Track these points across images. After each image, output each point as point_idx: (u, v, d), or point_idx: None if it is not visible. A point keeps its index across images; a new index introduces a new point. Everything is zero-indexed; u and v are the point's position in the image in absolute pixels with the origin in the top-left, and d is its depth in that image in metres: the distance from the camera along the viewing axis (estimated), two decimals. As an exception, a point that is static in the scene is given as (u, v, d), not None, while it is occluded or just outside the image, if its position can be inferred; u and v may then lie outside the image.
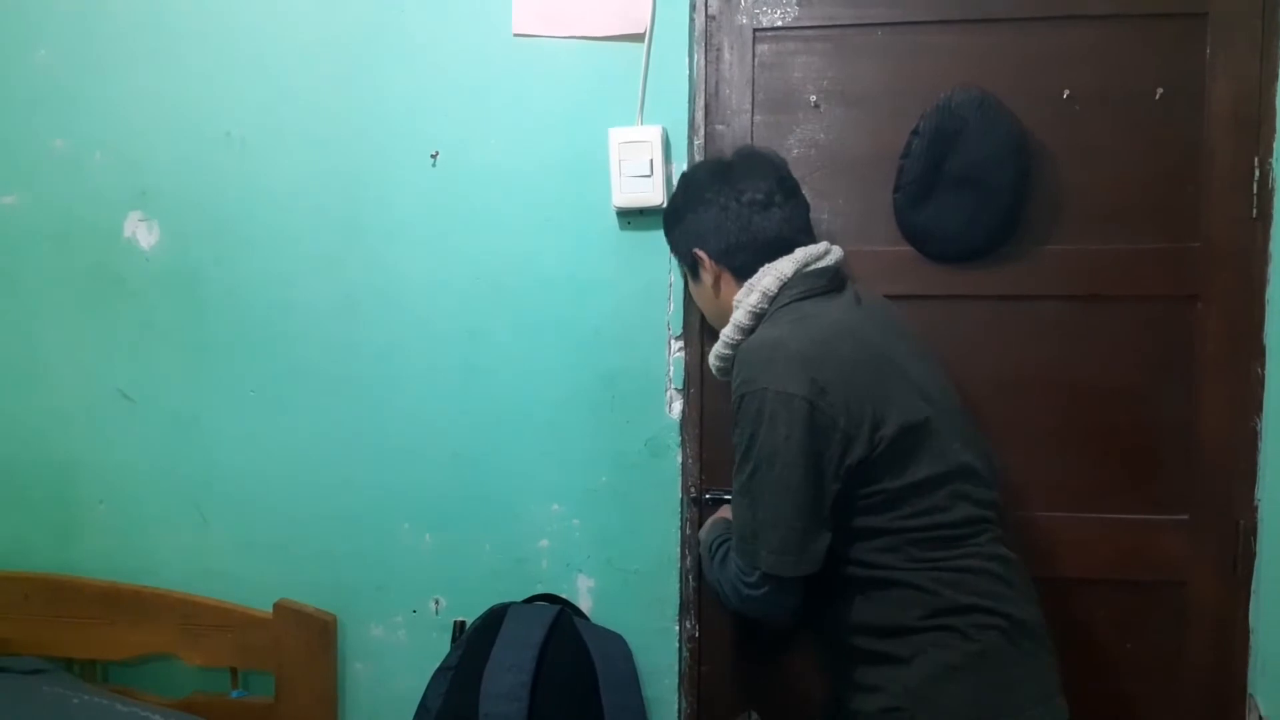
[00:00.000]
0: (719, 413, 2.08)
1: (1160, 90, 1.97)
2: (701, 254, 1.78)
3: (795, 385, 1.56)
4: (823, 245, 1.75)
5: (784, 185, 1.76)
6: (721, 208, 1.74)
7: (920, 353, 1.72)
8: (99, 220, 2.26)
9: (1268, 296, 1.96)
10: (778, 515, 1.57)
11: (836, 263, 1.75)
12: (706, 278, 1.79)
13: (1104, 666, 2.07)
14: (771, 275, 1.71)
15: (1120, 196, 1.99)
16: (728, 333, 1.76)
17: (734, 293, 1.75)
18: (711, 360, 1.83)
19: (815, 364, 1.57)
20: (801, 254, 1.72)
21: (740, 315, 1.74)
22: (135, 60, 2.23)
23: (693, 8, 2.06)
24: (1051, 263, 2.01)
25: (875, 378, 1.60)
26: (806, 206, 1.79)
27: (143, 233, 2.25)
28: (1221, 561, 2.02)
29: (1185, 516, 2.02)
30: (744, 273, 1.75)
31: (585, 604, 2.15)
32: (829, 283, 1.72)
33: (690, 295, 1.96)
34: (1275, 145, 1.94)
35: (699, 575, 2.10)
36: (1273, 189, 1.95)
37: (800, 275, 1.71)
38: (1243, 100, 1.95)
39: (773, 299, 1.71)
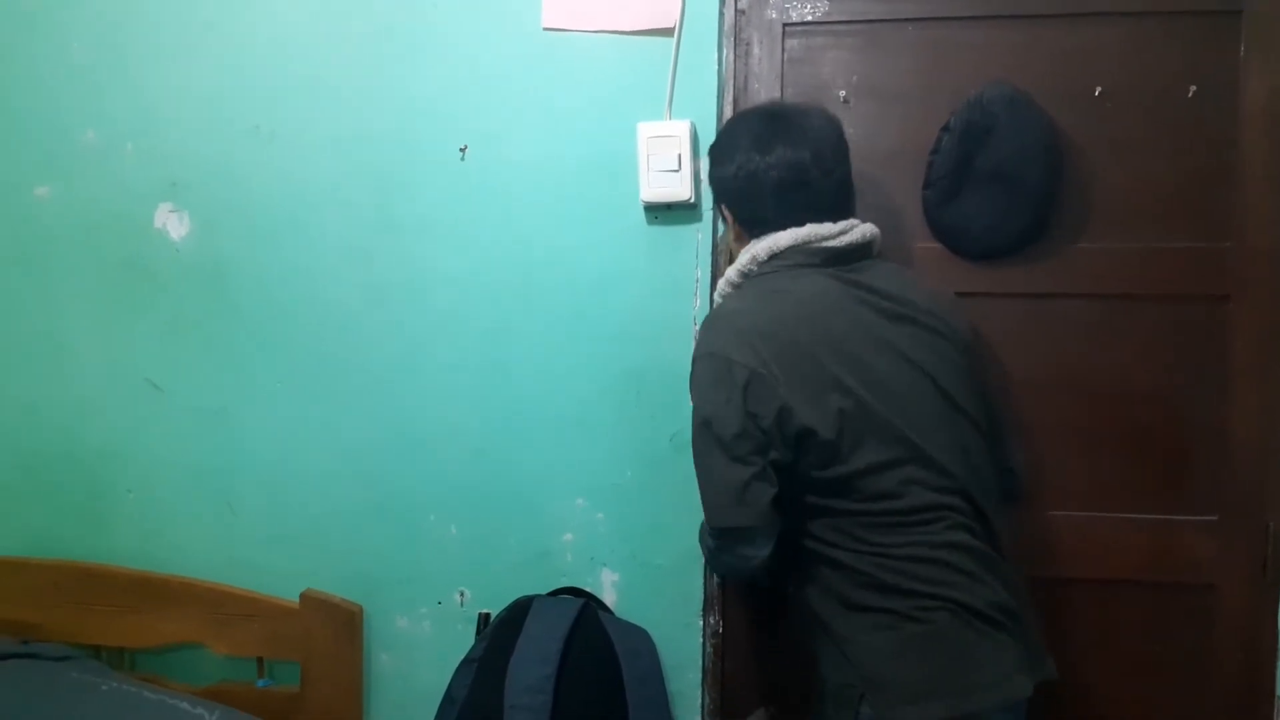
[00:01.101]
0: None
1: (1193, 88, 1.96)
2: (722, 204, 1.85)
3: (741, 355, 1.64)
4: (841, 225, 1.73)
5: (820, 160, 1.73)
6: (748, 169, 1.74)
7: (909, 340, 1.70)
8: (130, 212, 2.27)
9: (1301, 297, 1.95)
10: (716, 470, 1.67)
11: (849, 244, 1.74)
12: (727, 222, 1.86)
13: (1131, 668, 2.05)
14: (767, 244, 1.74)
15: (1152, 195, 1.98)
16: (721, 285, 1.83)
17: (744, 246, 1.80)
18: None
19: (765, 340, 1.65)
20: (809, 230, 1.72)
21: (731, 272, 1.80)
22: (166, 53, 2.24)
23: (722, 2, 2.05)
24: (1082, 261, 2.00)
25: (821, 362, 1.64)
26: (841, 182, 1.77)
27: (173, 224, 2.26)
28: (1251, 564, 2.00)
29: (1215, 518, 2.01)
30: (752, 231, 1.78)
31: (609, 598, 2.15)
32: (823, 259, 1.72)
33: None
34: (1309, 145, 1.92)
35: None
36: (1307, 189, 1.93)
37: (796, 249, 1.72)
38: (1277, 98, 1.94)
39: (760, 264, 1.75)
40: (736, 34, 2.07)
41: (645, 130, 2.04)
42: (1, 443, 2.37)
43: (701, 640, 2.13)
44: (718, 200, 1.89)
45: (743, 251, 1.78)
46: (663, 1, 2.05)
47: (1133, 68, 1.97)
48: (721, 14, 2.06)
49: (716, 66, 2.06)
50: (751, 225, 1.78)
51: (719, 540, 1.72)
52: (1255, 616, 2.01)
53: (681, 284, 2.08)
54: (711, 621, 2.13)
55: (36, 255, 2.32)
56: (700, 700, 2.13)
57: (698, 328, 2.06)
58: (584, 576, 2.16)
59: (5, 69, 2.30)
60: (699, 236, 2.07)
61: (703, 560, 2.10)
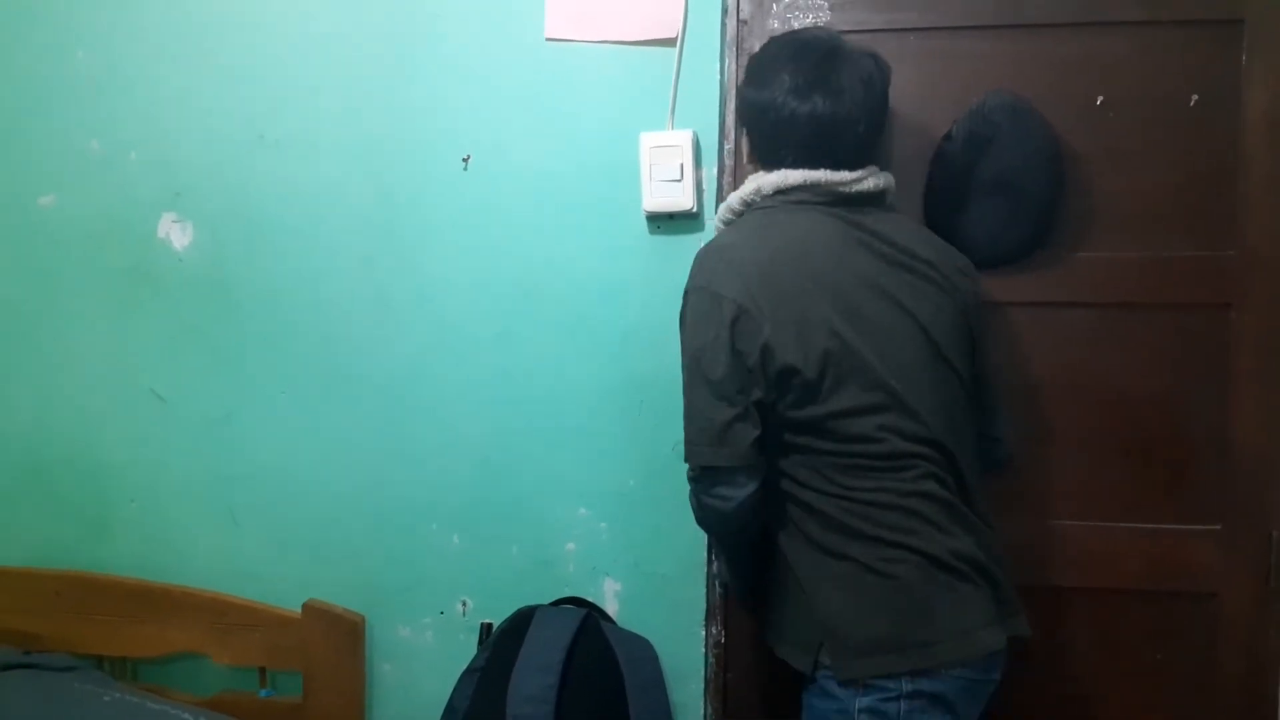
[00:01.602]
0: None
1: (1195, 97, 1.96)
2: (744, 127, 1.86)
3: (730, 290, 1.64)
4: (858, 173, 1.73)
5: (854, 117, 1.70)
6: (781, 113, 1.71)
7: (905, 288, 1.70)
8: (133, 221, 2.28)
9: (1303, 305, 1.95)
10: (699, 407, 1.68)
11: (860, 191, 1.73)
12: (744, 145, 1.88)
13: (1133, 678, 2.05)
14: (775, 178, 1.73)
15: (1154, 203, 1.98)
16: (721, 210, 1.85)
17: (754, 172, 1.81)
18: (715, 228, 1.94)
19: (755, 276, 1.65)
20: (822, 174, 1.71)
21: (734, 199, 1.81)
22: (171, 63, 2.25)
23: (724, 12, 2.06)
24: (1084, 270, 2.00)
25: (810, 300, 1.64)
26: (871, 133, 1.75)
27: (176, 234, 2.26)
28: (1254, 573, 2.00)
29: (1217, 527, 2.01)
30: (765, 163, 1.78)
31: (612, 607, 2.15)
32: (829, 200, 1.72)
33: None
34: (1312, 153, 1.93)
35: (724, 581, 2.10)
36: (1309, 197, 1.93)
37: (804, 188, 1.72)
38: (1279, 107, 1.93)
39: (764, 197, 1.75)
40: (739, 44, 2.08)
41: (648, 140, 2.05)
42: (5, 452, 2.37)
43: (704, 650, 2.12)
44: (740, 120, 1.89)
45: (749, 180, 1.78)
46: (665, 12, 2.06)
47: (1135, 76, 1.97)
48: (724, 24, 2.06)
49: (719, 76, 2.07)
50: (765, 159, 1.78)
51: (698, 480, 1.72)
52: (1258, 625, 2.00)
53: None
54: (714, 631, 2.13)
55: (40, 264, 2.32)
56: (703, 710, 2.13)
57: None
58: (586, 586, 2.16)
59: (10, 78, 2.31)
60: (701, 246, 2.07)
61: (705, 570, 2.10)
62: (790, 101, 1.70)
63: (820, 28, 1.96)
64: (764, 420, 1.66)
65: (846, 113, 1.69)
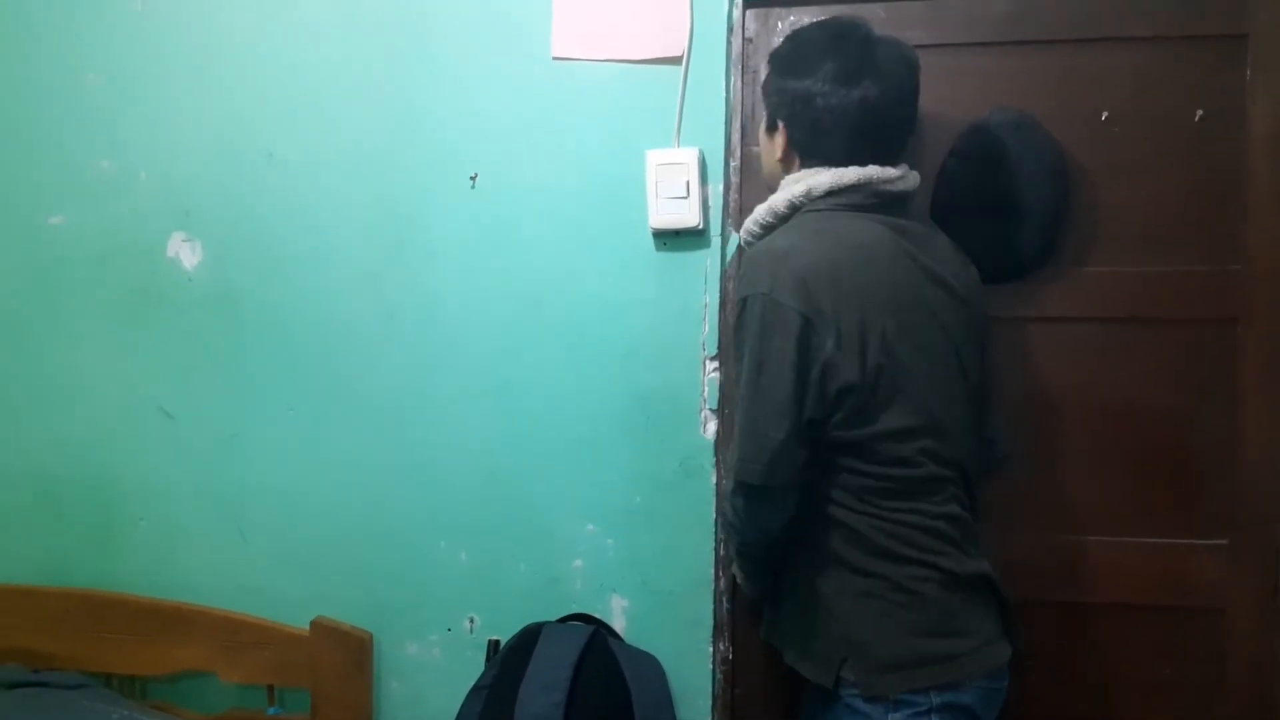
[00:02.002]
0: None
1: (1200, 112, 1.96)
2: (782, 123, 1.76)
3: (794, 300, 1.59)
4: (900, 169, 1.72)
5: (900, 102, 1.71)
6: (829, 101, 1.68)
7: (942, 305, 1.71)
8: (143, 240, 2.29)
9: (1310, 320, 1.95)
10: (756, 423, 1.62)
11: (904, 189, 1.73)
12: (778, 141, 1.78)
13: (1141, 693, 2.04)
14: (829, 178, 1.69)
15: (1159, 218, 1.98)
16: (762, 212, 1.78)
17: (791, 170, 1.75)
18: (742, 234, 1.89)
19: (818, 284, 1.60)
20: (872, 171, 1.68)
21: (779, 200, 1.74)
22: (180, 83, 2.26)
23: (730, 31, 2.07)
24: (1090, 284, 2.00)
25: (868, 313, 1.61)
26: (910, 123, 1.76)
27: (186, 253, 2.28)
28: (1262, 588, 1.99)
29: (1225, 541, 2.00)
30: (806, 158, 1.74)
31: (619, 624, 2.14)
32: (878, 202, 1.70)
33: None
34: (1317, 168, 1.93)
35: (733, 597, 2.10)
36: (1314, 211, 1.94)
37: (857, 188, 1.69)
38: (1284, 122, 1.94)
39: (814, 199, 1.70)
40: (744, 62, 2.09)
41: (654, 158, 2.05)
42: (14, 470, 2.37)
43: (711, 667, 2.12)
44: (776, 114, 1.77)
45: (794, 181, 1.73)
46: (671, 31, 2.07)
47: (1139, 92, 1.98)
48: (729, 43, 2.07)
49: (724, 94, 2.07)
50: (808, 153, 1.73)
51: (746, 498, 1.67)
52: (1266, 640, 1.99)
53: (690, 310, 2.09)
54: (721, 648, 2.12)
55: (50, 283, 2.34)
56: (711, 727, 2.13)
57: (706, 354, 2.07)
58: (594, 603, 2.15)
59: (20, 98, 2.33)
60: (708, 263, 2.08)
61: (712, 586, 2.10)
62: (839, 89, 1.67)
63: (844, 15, 1.85)
64: (811, 439, 1.64)
65: (895, 96, 1.69)
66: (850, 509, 1.65)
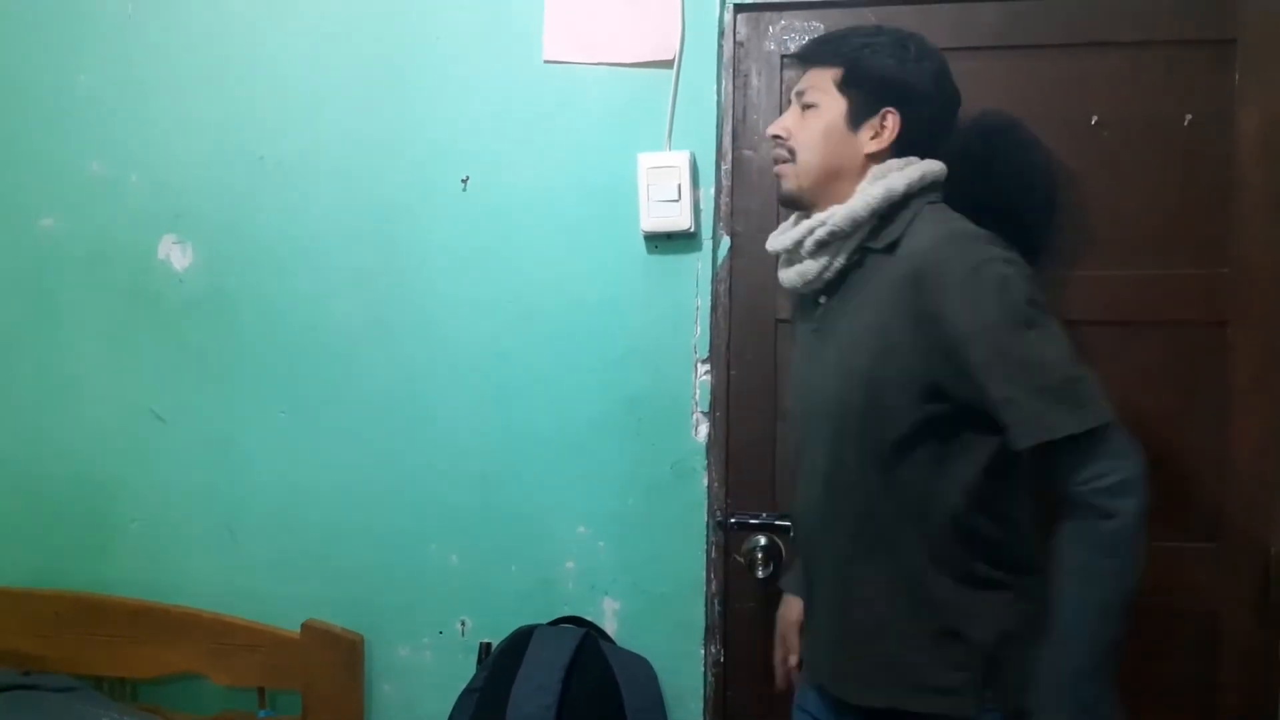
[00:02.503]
0: (744, 437, 2.09)
1: (1189, 116, 1.97)
2: (893, 112, 1.62)
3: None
4: None
5: None
6: (957, 98, 1.69)
7: None
8: (134, 243, 2.29)
9: (1299, 323, 1.95)
10: (1074, 364, 1.49)
11: None
12: (865, 135, 1.63)
13: (1132, 696, 2.03)
14: (938, 168, 1.63)
15: (1149, 222, 1.99)
16: (878, 198, 1.58)
17: (881, 163, 1.62)
18: (844, 220, 1.59)
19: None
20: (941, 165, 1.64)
21: (896, 182, 1.58)
22: (172, 86, 2.27)
23: (721, 34, 2.08)
24: (1080, 289, 2.00)
25: None
26: None
27: (177, 255, 2.28)
28: (1252, 590, 2.00)
29: (1215, 545, 2.00)
30: (915, 150, 1.63)
31: (610, 627, 2.15)
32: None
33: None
34: (1305, 171, 1.93)
35: (724, 599, 2.10)
36: (1303, 215, 1.94)
37: (941, 181, 1.65)
38: (1272, 126, 1.94)
39: (924, 188, 1.61)
40: (735, 65, 2.09)
41: (645, 160, 2.06)
42: (5, 473, 2.37)
43: (703, 669, 2.12)
44: (880, 100, 1.62)
45: (904, 165, 1.61)
46: (662, 34, 2.07)
47: (1129, 96, 1.98)
48: (720, 46, 2.08)
49: (716, 97, 2.08)
50: (913, 145, 1.63)
51: (1114, 440, 1.47)
52: (1257, 643, 2.00)
53: (682, 312, 2.09)
54: (713, 650, 2.12)
55: (41, 286, 2.33)
56: (702, 729, 2.13)
57: (698, 357, 2.08)
58: (585, 605, 2.16)
59: (12, 100, 2.33)
60: (699, 266, 2.08)
61: (704, 589, 2.10)
62: (946, 83, 1.66)
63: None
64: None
65: None
66: (1000, 517, 1.56)
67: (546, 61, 2.12)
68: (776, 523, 2.06)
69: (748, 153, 2.10)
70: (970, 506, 1.54)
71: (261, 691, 2.25)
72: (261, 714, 2.24)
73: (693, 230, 2.06)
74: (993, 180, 1.93)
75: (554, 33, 2.11)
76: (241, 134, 2.24)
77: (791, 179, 1.66)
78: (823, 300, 1.68)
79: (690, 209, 2.05)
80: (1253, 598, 2.00)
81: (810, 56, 1.69)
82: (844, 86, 1.63)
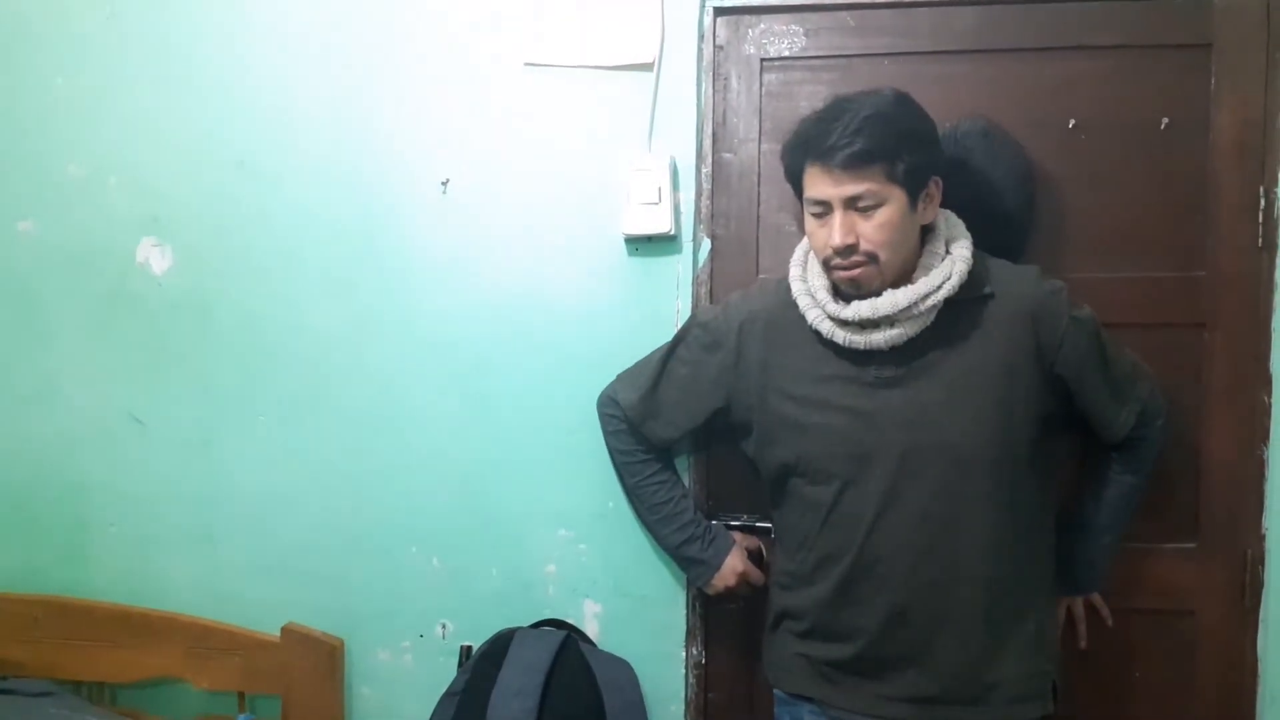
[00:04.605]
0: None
1: (1165, 120, 1.98)
2: (936, 178, 1.74)
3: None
4: None
5: None
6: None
7: None
8: (112, 246, 2.28)
9: (1274, 325, 1.97)
10: (1125, 349, 1.86)
11: None
12: (921, 207, 1.72)
13: (1111, 695, 2.06)
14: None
15: (1126, 225, 2.00)
16: (962, 267, 1.71)
17: (944, 231, 1.77)
18: (927, 301, 1.69)
19: None
20: None
21: (961, 231, 1.78)
22: (150, 88, 2.25)
23: (701, 38, 2.08)
24: (1058, 291, 2.01)
25: None
26: None
27: (155, 258, 2.27)
28: (1230, 590, 2.01)
29: (1193, 545, 2.02)
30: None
31: (591, 629, 2.15)
32: None
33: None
34: (1280, 174, 1.95)
35: (705, 602, 2.10)
36: (1278, 218, 1.96)
37: None
38: (1247, 130, 1.96)
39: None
40: (715, 69, 2.09)
41: (626, 163, 2.06)
42: (-17, 476, 2.36)
43: (684, 671, 2.12)
44: (933, 167, 1.72)
45: (952, 214, 1.80)
46: (642, 37, 2.07)
47: (1106, 100, 2.00)
48: (700, 49, 2.08)
49: (696, 101, 2.08)
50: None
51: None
52: (1234, 642, 2.02)
53: (662, 315, 2.09)
54: (694, 652, 2.13)
55: (19, 290, 2.32)
56: (683, 732, 2.13)
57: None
58: (566, 608, 2.16)
59: (-11, 104, 2.32)
60: (679, 268, 2.09)
61: (685, 591, 2.10)
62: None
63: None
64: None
65: None
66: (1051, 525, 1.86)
67: (527, 64, 2.12)
68: (757, 525, 2.06)
69: (727, 156, 2.10)
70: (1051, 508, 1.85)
71: (241, 695, 2.24)
72: (241, 718, 2.23)
73: (673, 233, 2.07)
74: (970, 183, 1.92)
75: (534, 35, 2.11)
76: (221, 136, 2.23)
77: (877, 279, 1.71)
78: (878, 356, 1.73)
79: (671, 212, 2.05)
80: (1230, 597, 2.02)
81: (842, 161, 1.66)
82: (896, 178, 1.67)
